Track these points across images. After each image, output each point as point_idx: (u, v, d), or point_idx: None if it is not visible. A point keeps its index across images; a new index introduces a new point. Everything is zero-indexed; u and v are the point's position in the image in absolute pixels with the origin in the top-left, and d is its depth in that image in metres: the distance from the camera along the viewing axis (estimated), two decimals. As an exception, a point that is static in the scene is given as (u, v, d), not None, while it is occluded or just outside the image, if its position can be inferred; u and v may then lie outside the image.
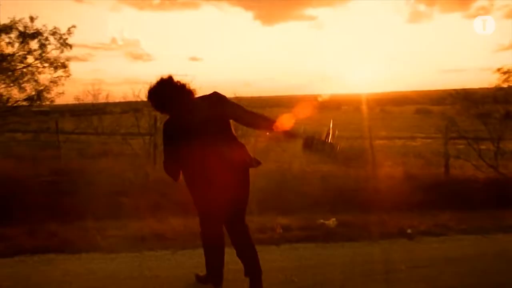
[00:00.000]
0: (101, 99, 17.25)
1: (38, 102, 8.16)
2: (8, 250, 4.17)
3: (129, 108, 10.74)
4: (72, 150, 9.69)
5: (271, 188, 6.73)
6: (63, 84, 8.45)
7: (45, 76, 8.19)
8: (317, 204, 6.12)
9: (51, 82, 8.22)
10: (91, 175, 6.99)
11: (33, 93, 8.03)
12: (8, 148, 9.14)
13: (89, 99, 17.83)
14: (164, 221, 4.98)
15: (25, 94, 8.04)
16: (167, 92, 2.92)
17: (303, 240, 4.54)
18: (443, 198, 6.77)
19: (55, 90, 8.35)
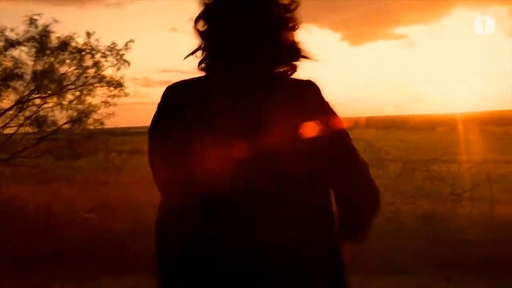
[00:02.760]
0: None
1: (83, 125, 7.48)
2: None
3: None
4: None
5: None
6: (116, 104, 7.70)
7: (98, 96, 7.55)
8: (419, 263, 4.42)
9: (103, 102, 7.54)
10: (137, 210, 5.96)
11: (77, 115, 7.36)
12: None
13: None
14: None
15: (69, 115, 7.39)
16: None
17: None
18: None
19: (105, 111, 7.64)
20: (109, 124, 8.82)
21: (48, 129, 7.44)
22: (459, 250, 4.70)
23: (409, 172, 11.29)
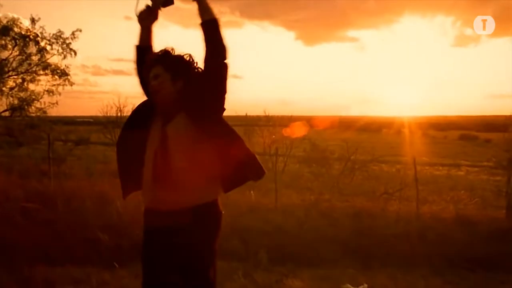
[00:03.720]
0: (126, 112, 16.52)
1: (24, 113, 7.29)
2: None
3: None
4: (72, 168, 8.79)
5: (288, 229, 5.45)
6: (59, 94, 7.56)
7: (42, 84, 7.36)
8: (346, 255, 4.76)
9: (46, 91, 7.37)
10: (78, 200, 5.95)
11: (18, 102, 7.16)
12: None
13: (113, 112, 17.23)
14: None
15: (10, 103, 7.18)
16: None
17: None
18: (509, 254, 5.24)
19: (48, 100, 7.47)
20: (55, 112, 8.66)
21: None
22: (383, 244, 5.09)
23: (350, 172, 11.86)
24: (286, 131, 12.44)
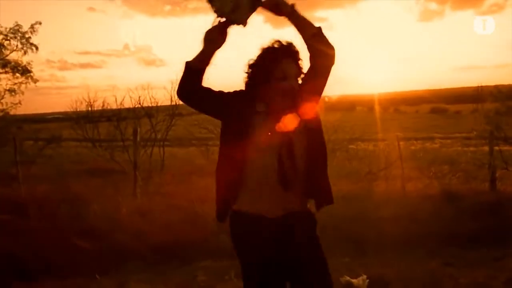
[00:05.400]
0: (97, 107, 15.95)
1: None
2: None
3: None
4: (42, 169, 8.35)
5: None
6: (22, 93, 7.09)
7: (2, 83, 6.86)
8: (338, 243, 4.60)
9: (7, 90, 6.89)
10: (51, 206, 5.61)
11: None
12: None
13: (83, 107, 16.63)
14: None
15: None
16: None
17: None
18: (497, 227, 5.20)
19: (10, 100, 7.00)
20: (23, 111, 8.20)
21: None
22: (374, 228, 4.97)
23: (330, 153, 11.73)
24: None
